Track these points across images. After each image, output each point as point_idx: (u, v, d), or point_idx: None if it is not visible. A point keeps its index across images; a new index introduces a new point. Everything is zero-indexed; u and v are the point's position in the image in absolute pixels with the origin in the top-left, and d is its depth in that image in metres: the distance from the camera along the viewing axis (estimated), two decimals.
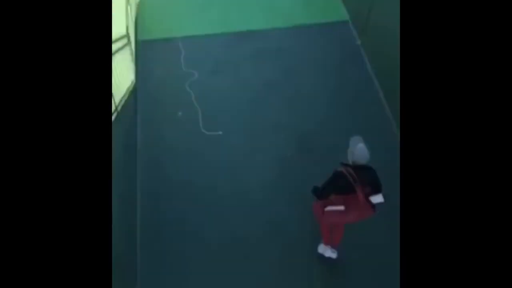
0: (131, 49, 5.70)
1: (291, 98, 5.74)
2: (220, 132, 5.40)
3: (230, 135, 5.40)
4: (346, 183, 3.65)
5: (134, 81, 5.82)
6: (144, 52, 6.36)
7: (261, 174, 5.04)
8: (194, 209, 4.79)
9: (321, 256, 4.44)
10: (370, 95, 5.73)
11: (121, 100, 4.87)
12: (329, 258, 4.41)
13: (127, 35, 5.37)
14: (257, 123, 5.49)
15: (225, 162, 5.17)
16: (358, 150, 3.64)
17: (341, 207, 3.82)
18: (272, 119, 5.52)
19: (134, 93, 5.73)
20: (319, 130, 5.38)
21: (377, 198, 3.71)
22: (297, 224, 4.67)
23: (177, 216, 4.75)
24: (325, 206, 3.95)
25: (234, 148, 5.28)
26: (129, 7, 5.95)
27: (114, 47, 4.41)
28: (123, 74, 5.06)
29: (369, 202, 3.72)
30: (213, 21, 6.78)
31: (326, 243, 4.40)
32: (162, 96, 5.88)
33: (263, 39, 6.49)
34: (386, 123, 5.45)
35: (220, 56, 6.27)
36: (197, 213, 4.77)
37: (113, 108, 4.39)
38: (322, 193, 3.83)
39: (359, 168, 3.67)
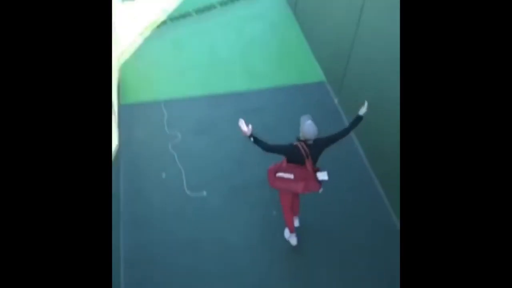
0: (114, 114, 5.77)
1: (274, 157, 5.83)
2: (204, 193, 5.41)
3: (214, 195, 5.41)
4: (299, 155, 4.14)
5: (118, 146, 5.85)
6: (127, 116, 6.44)
7: (246, 235, 5.02)
8: (179, 273, 4.69)
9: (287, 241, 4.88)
10: (350, 150, 5.87)
11: None
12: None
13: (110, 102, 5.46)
14: (241, 182, 5.53)
15: (209, 223, 5.13)
16: (307, 127, 4.10)
17: (291, 175, 4.24)
18: (256, 177, 5.56)
19: (117, 157, 5.74)
20: None
21: (322, 175, 4.22)
22: (284, 285, 4.61)
23: (161, 280, 4.63)
24: (277, 172, 4.33)
25: (218, 208, 5.27)
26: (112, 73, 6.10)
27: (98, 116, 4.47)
28: None
29: (316, 177, 4.20)
30: (195, 84, 6.97)
31: (291, 231, 4.82)
32: (145, 158, 5.91)
33: (243, 100, 6.68)
34: (367, 180, 5.58)
35: (203, 117, 6.40)
36: (181, 276, 4.66)
37: None
38: (266, 146, 4.13)
39: (312, 145, 4.15)
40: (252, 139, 4.09)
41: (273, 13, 8.42)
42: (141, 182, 5.61)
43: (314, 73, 7.10)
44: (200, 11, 8.23)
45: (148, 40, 7.66)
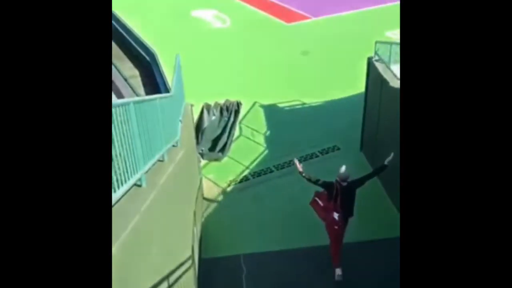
0: (194, 268, 5.78)
1: None
2: None
3: None
4: (331, 192, 5.59)
5: None
6: (207, 271, 6.42)
7: None
8: None
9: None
10: None
11: None
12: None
13: (192, 256, 5.53)
14: None
15: None
16: (341, 170, 5.57)
17: (321, 203, 5.85)
18: None
19: None
20: None
21: (335, 215, 5.63)
22: None
23: None
24: (316, 197, 5.94)
25: None
26: (195, 228, 6.29)
27: (180, 271, 4.53)
28: None
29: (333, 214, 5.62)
30: (275, 238, 6.94)
31: (335, 265, 5.93)
32: None
33: (324, 255, 6.44)
34: None
35: (282, 274, 6.20)
36: None
37: None
38: (312, 180, 5.75)
39: (345, 186, 5.52)
40: (304, 174, 5.73)
41: (351, 166, 8.56)
42: None
43: (398, 227, 6.79)
44: (280, 166, 8.63)
45: (230, 195, 8.02)
